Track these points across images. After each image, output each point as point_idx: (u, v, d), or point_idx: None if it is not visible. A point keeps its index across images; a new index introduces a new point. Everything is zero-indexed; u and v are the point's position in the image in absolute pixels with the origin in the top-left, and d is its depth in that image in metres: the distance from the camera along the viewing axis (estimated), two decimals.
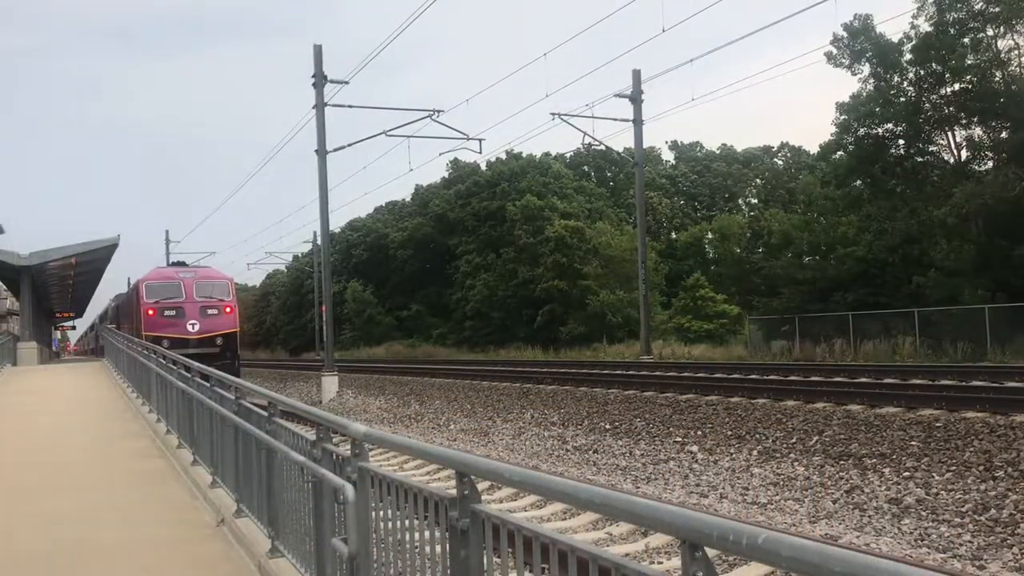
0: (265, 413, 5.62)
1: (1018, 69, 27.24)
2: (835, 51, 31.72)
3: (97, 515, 7.19)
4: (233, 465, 6.83)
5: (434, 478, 11.24)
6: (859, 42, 30.55)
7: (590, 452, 13.16)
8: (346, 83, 25.86)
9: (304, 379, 31.41)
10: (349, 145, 27.18)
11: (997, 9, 26.17)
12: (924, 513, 8.18)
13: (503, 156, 53.62)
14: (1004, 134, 27.47)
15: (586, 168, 60.32)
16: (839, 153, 31.96)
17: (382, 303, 60.83)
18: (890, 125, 29.71)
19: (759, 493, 9.78)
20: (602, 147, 33.08)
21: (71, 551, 6.07)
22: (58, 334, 69.55)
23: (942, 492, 8.42)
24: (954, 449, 9.11)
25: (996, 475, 8.34)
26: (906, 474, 8.96)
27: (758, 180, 59.18)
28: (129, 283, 45.04)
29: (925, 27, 28.43)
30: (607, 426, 14.05)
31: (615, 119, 28.12)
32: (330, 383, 25.53)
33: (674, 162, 62.46)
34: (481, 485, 3.24)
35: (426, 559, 3.40)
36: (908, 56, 29.19)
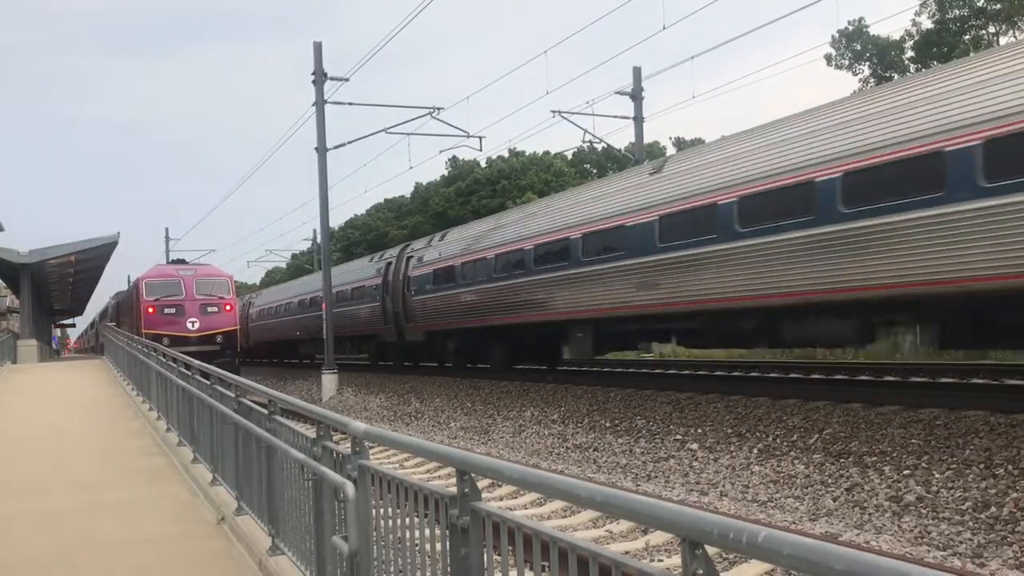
0: (265, 411, 5.62)
1: None
2: (834, 53, 31.82)
3: (97, 513, 7.20)
4: (233, 463, 6.84)
5: (434, 476, 11.24)
6: (857, 43, 30.64)
7: (590, 450, 13.16)
8: (346, 80, 25.83)
9: (304, 377, 31.42)
10: (349, 143, 27.14)
11: (999, 6, 26.15)
12: (924, 511, 8.18)
13: (504, 154, 53.64)
14: None
15: (587, 166, 60.32)
16: None
17: None
18: None
19: (759, 491, 9.78)
20: (603, 144, 33.03)
21: (71, 549, 6.07)
22: (58, 332, 69.58)
23: (942, 490, 8.42)
24: (955, 447, 9.11)
25: (996, 473, 8.34)
26: (906, 472, 8.96)
27: None
28: (129, 281, 45.09)
29: (927, 24, 28.42)
30: (607, 424, 14.04)
31: (616, 116, 28.09)
32: (330, 381, 25.52)
33: None
34: (481, 483, 3.24)
35: (426, 557, 3.40)
36: (910, 53, 29.18)
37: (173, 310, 27.68)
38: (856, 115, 10.71)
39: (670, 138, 62.82)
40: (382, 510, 3.72)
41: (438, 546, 3.26)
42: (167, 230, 57.82)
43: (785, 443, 10.79)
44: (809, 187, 10.90)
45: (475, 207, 52.15)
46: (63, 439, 11.75)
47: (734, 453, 11.07)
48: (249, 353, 43.00)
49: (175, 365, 10.71)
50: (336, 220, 66.93)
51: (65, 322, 72.24)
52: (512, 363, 21.19)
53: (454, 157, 57.15)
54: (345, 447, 4.14)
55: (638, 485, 10.84)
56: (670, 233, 13.57)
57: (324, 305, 26.50)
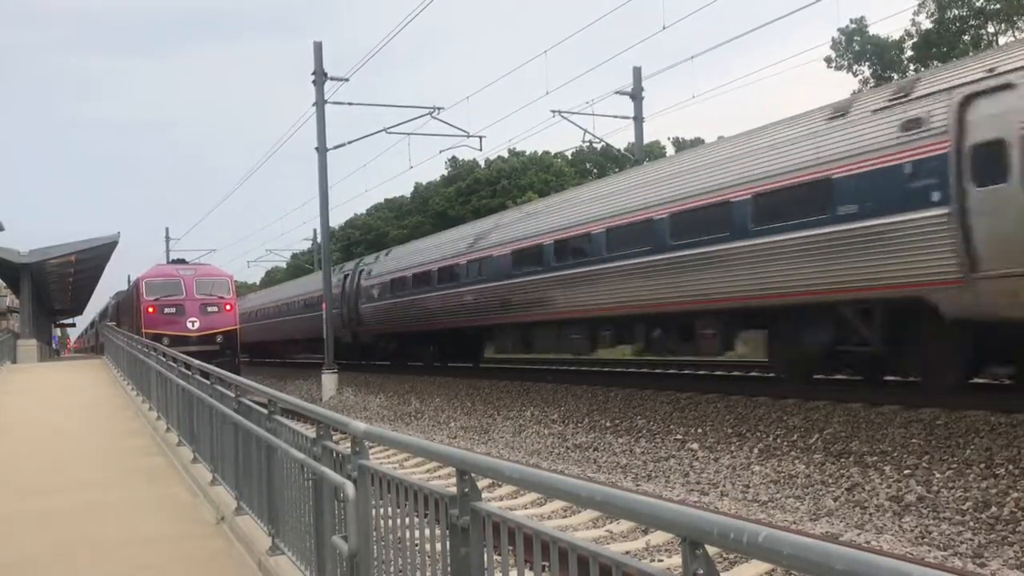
0: (265, 411, 5.62)
1: None
2: (833, 55, 31.85)
3: (97, 513, 7.19)
4: (233, 463, 6.83)
5: (434, 476, 11.23)
6: (857, 43, 30.64)
7: (590, 450, 13.16)
8: (346, 80, 25.82)
9: (304, 377, 31.41)
10: (349, 143, 27.15)
11: (998, 6, 26.15)
12: (925, 511, 8.18)
13: (504, 154, 53.70)
14: None
15: (588, 165, 60.34)
16: None
17: None
18: None
19: (760, 491, 9.78)
20: (603, 144, 33.05)
21: (71, 549, 6.07)
22: (58, 332, 69.58)
23: (943, 490, 8.42)
24: (955, 447, 9.10)
25: (997, 472, 8.33)
26: (907, 472, 8.95)
27: None
28: (129, 281, 45.07)
29: (926, 24, 28.43)
30: (607, 424, 14.03)
31: (616, 116, 28.09)
32: (330, 381, 25.53)
33: None
34: (481, 483, 3.24)
35: (426, 557, 3.39)
36: (909, 53, 29.18)
37: (173, 310, 27.68)
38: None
39: (669, 138, 62.90)
40: (382, 510, 3.72)
41: (438, 546, 3.25)
42: (167, 230, 57.84)
43: (785, 443, 10.79)
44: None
45: (475, 207, 52.21)
46: (63, 439, 11.74)
47: (734, 453, 11.07)
48: (349, 354, 30.17)
49: (175, 365, 10.71)
50: (336, 220, 66.94)
51: (65, 322, 72.24)
52: None
53: (454, 157, 57.27)
54: (345, 447, 4.14)
55: (638, 485, 10.83)
56: None
57: (324, 305, 26.49)
